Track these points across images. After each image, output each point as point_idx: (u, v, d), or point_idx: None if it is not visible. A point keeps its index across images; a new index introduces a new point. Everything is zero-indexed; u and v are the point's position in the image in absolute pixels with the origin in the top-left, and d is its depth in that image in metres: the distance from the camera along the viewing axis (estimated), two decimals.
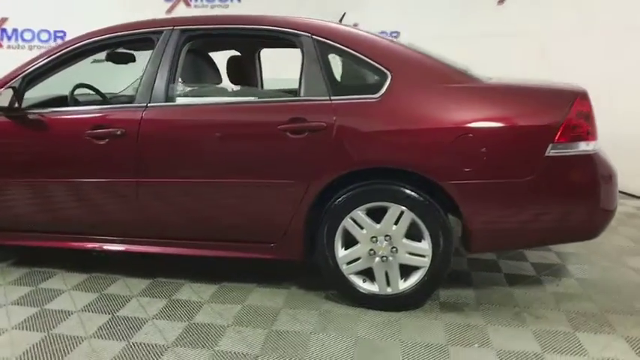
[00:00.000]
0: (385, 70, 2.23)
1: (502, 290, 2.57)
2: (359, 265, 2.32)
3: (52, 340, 2.10)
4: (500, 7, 5.32)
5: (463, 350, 2.03)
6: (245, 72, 3.32)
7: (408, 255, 2.26)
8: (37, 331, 2.18)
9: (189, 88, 2.45)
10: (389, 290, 2.31)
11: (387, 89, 2.20)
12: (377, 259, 2.28)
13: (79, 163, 2.48)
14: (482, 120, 2.13)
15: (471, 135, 2.11)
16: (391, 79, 2.21)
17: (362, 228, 2.27)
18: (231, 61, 3.17)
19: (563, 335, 2.13)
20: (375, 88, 2.23)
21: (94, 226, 2.59)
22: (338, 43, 2.30)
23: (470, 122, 2.12)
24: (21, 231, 2.69)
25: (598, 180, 2.15)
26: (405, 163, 2.17)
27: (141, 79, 2.45)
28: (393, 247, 2.26)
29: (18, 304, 2.42)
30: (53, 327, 2.21)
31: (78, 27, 5.83)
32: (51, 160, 2.53)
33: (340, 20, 2.81)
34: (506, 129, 2.13)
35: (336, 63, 2.32)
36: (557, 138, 2.09)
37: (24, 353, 2.01)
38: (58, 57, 2.57)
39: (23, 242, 2.71)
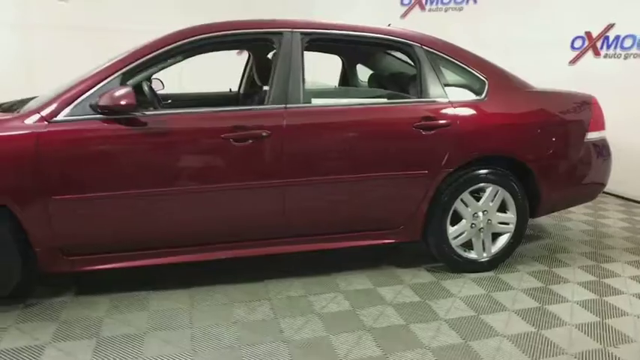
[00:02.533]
0: (483, 78, 2.77)
1: (529, 245, 3.38)
2: (463, 238, 2.82)
3: None
4: (403, 20, 6.29)
5: (559, 287, 2.75)
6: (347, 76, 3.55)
7: (499, 224, 2.86)
8: None
9: (321, 90, 2.54)
10: (484, 255, 2.88)
11: (486, 92, 2.75)
12: (477, 231, 2.81)
13: (217, 167, 2.34)
14: (552, 115, 2.87)
15: (547, 127, 2.83)
16: (488, 85, 2.76)
17: (467, 206, 2.78)
18: None
19: (596, 268, 3.03)
20: (478, 91, 2.76)
21: (225, 234, 2.47)
22: (444, 54, 2.74)
23: (546, 117, 2.84)
24: (135, 250, 2.37)
25: (606, 158, 3.11)
26: (509, 151, 2.76)
27: (272, 80, 2.44)
28: (489, 220, 2.83)
29: None
30: None
31: None
32: (183, 166, 2.30)
33: None
34: (566, 122, 2.93)
35: (444, 70, 2.75)
36: (589, 129, 2.96)
37: None
38: (163, 53, 2.33)
39: (143, 262, 2.41)
